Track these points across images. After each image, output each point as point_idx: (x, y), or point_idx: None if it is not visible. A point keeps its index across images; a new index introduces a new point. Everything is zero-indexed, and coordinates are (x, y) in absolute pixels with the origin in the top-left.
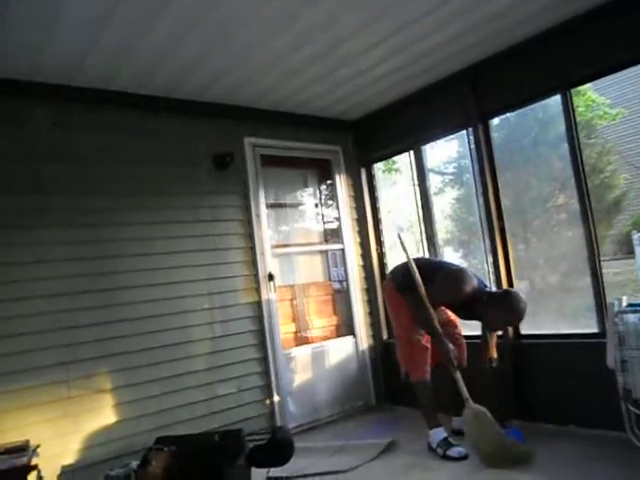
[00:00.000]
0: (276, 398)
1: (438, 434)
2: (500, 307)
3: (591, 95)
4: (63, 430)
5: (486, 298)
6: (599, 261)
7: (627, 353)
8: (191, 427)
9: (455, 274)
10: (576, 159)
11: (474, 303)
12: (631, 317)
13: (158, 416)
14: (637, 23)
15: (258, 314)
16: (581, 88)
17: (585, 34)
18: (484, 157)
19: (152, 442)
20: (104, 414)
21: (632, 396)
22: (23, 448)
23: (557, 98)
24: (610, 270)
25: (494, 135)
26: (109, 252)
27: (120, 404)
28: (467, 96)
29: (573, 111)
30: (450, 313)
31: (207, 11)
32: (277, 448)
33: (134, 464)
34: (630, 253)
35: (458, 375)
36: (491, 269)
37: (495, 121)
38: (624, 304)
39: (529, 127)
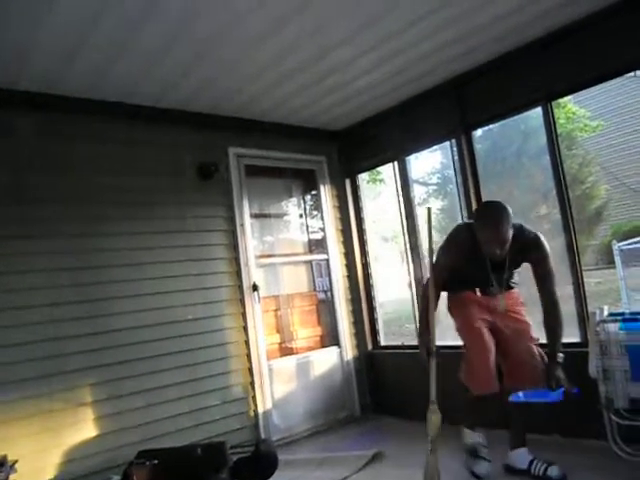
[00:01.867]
0: (260, 410)
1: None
2: (477, 224)
3: (571, 107)
4: (43, 445)
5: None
6: (581, 271)
7: (609, 362)
8: (174, 440)
9: (446, 239)
10: (557, 170)
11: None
12: (612, 326)
13: (141, 429)
14: (615, 37)
15: (242, 325)
16: (561, 100)
17: (565, 47)
18: (467, 168)
19: (134, 456)
20: (86, 428)
21: (614, 405)
22: (0, 463)
23: (538, 110)
24: (591, 280)
25: (477, 146)
26: (92, 263)
27: (102, 417)
28: (451, 107)
29: (554, 123)
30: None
31: (192, 21)
32: (261, 461)
33: (115, 479)
34: (611, 263)
35: (433, 366)
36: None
37: (478, 132)
38: (605, 313)
39: (512, 138)
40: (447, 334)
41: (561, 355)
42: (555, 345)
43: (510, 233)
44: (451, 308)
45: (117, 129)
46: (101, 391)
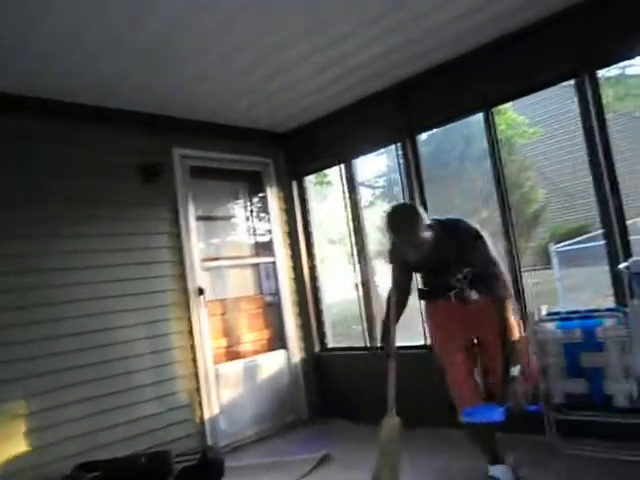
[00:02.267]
0: (207, 416)
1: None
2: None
3: (511, 114)
4: None
5: None
6: (520, 272)
7: (547, 360)
8: (117, 450)
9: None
10: (498, 175)
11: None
12: (550, 325)
13: (81, 440)
14: (553, 47)
15: (188, 329)
16: (502, 107)
17: (505, 56)
18: (412, 171)
19: (71, 469)
20: (19, 441)
21: (552, 401)
22: None
23: (480, 116)
24: (530, 280)
25: (422, 150)
26: (29, 267)
27: (38, 429)
28: (396, 111)
29: (494, 129)
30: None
31: (138, 21)
32: (207, 469)
33: None
34: (548, 264)
35: (392, 369)
36: (419, 281)
37: (423, 136)
38: (543, 313)
39: (455, 143)
40: None
41: (516, 369)
42: (507, 357)
43: (417, 233)
44: (427, 320)
45: (57, 128)
46: (37, 402)
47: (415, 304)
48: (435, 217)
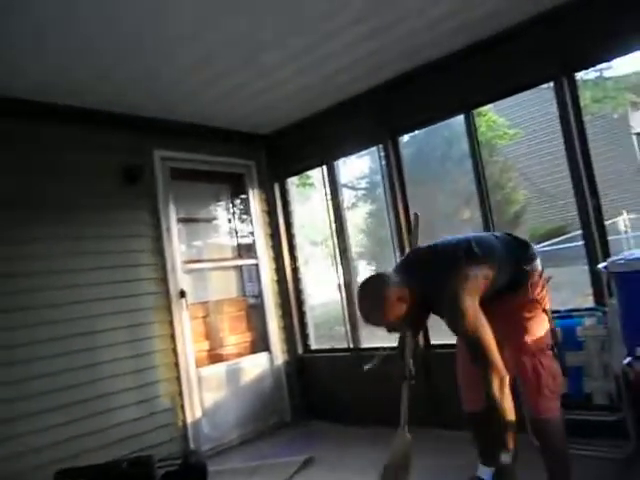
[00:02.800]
0: (189, 420)
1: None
2: None
3: (492, 116)
4: None
5: None
6: None
7: None
8: (99, 456)
9: None
10: (479, 176)
11: None
12: None
13: (62, 446)
14: (532, 50)
15: (170, 333)
16: (482, 109)
17: (486, 58)
18: (394, 173)
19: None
20: None
21: None
22: None
23: (461, 118)
24: None
25: (404, 151)
26: (4, 270)
27: (18, 435)
28: (378, 113)
29: (475, 130)
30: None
31: (115, 20)
32: (190, 473)
33: None
34: None
35: (405, 390)
36: None
37: (405, 138)
38: None
39: (436, 145)
40: None
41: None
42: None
43: (385, 317)
44: None
45: (34, 130)
46: (14, 408)
47: None
48: (425, 250)
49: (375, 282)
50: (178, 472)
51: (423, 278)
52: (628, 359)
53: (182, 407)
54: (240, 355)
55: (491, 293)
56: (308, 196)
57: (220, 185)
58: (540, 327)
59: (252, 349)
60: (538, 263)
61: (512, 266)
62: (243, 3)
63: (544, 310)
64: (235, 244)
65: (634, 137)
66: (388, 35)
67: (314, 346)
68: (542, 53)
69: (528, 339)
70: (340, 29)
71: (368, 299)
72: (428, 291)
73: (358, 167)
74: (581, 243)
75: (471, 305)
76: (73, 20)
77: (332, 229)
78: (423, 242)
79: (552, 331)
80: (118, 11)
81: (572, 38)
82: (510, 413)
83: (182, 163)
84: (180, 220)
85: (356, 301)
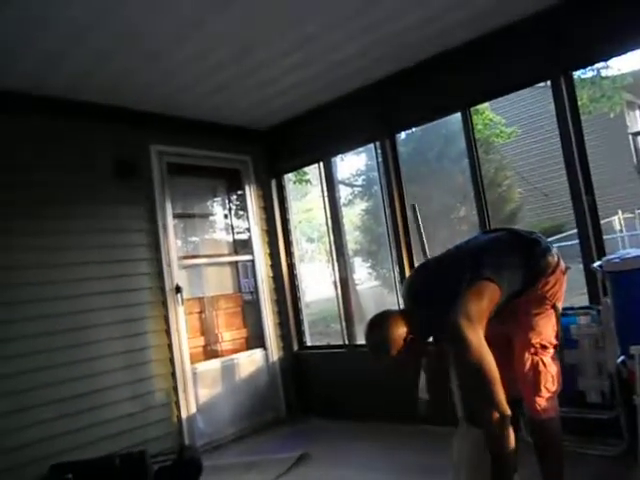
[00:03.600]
0: (184, 415)
1: None
2: None
3: (489, 114)
4: None
5: None
6: None
7: None
8: (93, 451)
9: None
10: (475, 174)
11: None
12: None
13: (56, 441)
14: (530, 48)
15: (165, 328)
16: (479, 107)
17: (483, 56)
18: (391, 170)
19: (46, 471)
20: None
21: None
22: None
23: (457, 116)
24: None
25: (401, 149)
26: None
27: (12, 430)
28: (375, 110)
29: (472, 128)
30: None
31: (109, 11)
32: (184, 469)
33: None
34: None
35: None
36: (398, 279)
37: (402, 135)
38: None
39: (433, 142)
40: None
41: None
42: None
43: (392, 352)
44: None
45: (30, 124)
46: (8, 402)
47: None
48: (432, 269)
49: (383, 323)
50: (173, 467)
51: (427, 307)
52: (622, 357)
53: (177, 403)
54: (235, 351)
55: (501, 307)
56: (305, 192)
57: (217, 181)
58: (547, 325)
59: (247, 345)
60: (551, 258)
61: (521, 275)
62: None
63: (553, 307)
64: (231, 240)
65: (630, 137)
66: (383, 32)
67: (309, 343)
68: (539, 51)
69: (532, 336)
70: (336, 24)
71: (377, 343)
72: (433, 321)
73: (355, 164)
74: (576, 242)
75: (475, 336)
76: (67, 15)
77: (328, 226)
78: (423, 242)
79: (558, 331)
80: (113, 4)
81: (570, 37)
82: (510, 455)
83: (179, 158)
84: (176, 215)
85: (366, 342)
